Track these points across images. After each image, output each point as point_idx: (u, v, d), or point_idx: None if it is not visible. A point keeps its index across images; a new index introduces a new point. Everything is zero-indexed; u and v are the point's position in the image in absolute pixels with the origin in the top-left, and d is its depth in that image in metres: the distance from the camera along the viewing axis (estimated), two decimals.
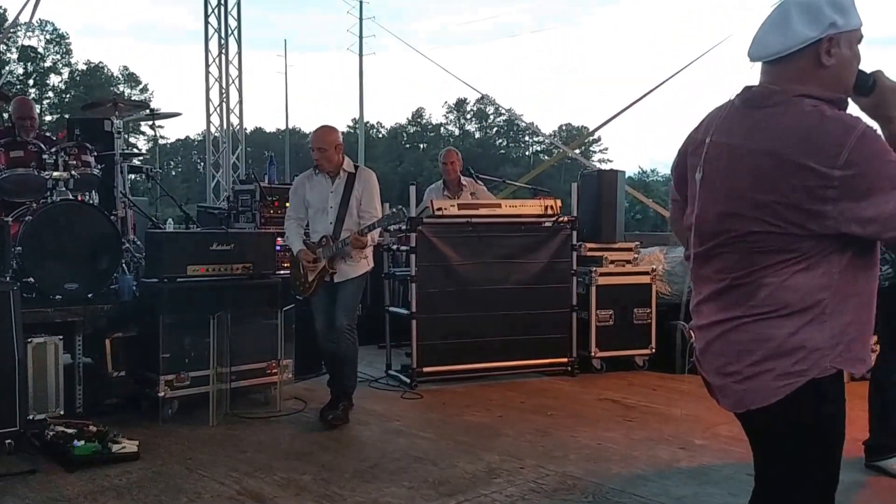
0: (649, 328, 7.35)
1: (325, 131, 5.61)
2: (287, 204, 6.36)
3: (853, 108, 2.13)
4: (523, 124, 61.49)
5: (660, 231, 15.79)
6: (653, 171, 55.91)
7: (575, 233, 7.09)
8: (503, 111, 58.57)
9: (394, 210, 5.54)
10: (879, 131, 2.05)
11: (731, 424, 5.37)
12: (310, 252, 5.59)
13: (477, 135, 68.38)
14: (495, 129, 68.99)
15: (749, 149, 2.08)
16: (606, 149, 61.90)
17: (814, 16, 2.03)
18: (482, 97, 56.83)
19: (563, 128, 65.50)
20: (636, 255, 7.63)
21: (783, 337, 2.07)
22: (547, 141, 58.33)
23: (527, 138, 67.22)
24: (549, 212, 7.03)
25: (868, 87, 2.09)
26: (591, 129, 49.14)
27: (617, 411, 5.95)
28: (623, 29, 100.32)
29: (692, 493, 4.21)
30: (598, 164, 42.41)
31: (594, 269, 7.19)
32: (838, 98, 2.08)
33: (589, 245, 7.35)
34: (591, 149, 58.65)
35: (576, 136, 53.15)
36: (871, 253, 2.09)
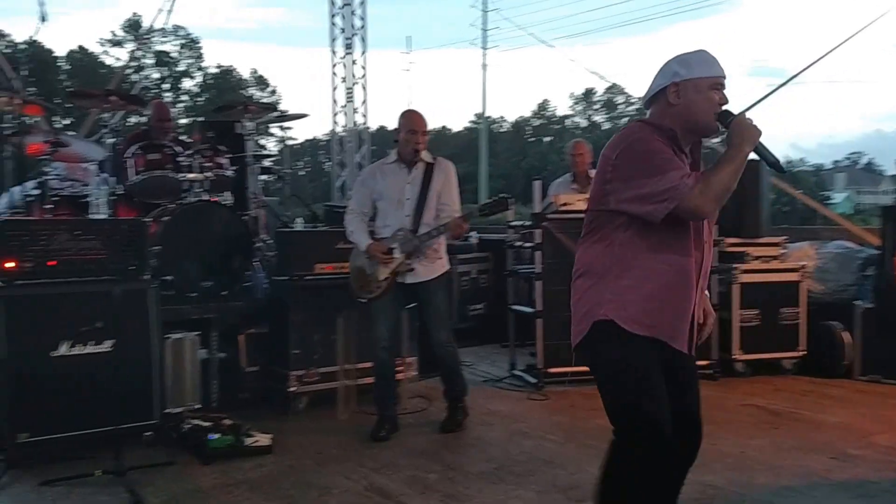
0: (798, 329, 6.92)
1: (422, 115, 5.32)
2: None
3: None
4: None
5: (809, 224, 15.09)
6: (801, 160, 53.65)
7: (715, 227, 6.82)
8: (634, 100, 57.56)
9: (497, 197, 5.11)
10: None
11: (890, 433, 5.20)
12: (384, 245, 5.18)
13: (606, 126, 67.23)
14: (626, 119, 67.83)
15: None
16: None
17: (664, 71, 2.86)
18: (611, 86, 55.98)
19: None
20: (783, 251, 7.23)
21: (583, 291, 2.87)
22: None
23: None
24: None
25: (728, 123, 2.77)
26: None
27: (762, 418, 5.67)
28: (762, 13, 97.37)
29: None
30: None
31: (737, 265, 6.85)
32: (667, 127, 2.81)
33: (730, 240, 6.99)
34: None
35: None
36: (656, 238, 2.74)
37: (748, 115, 2.78)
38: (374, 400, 5.39)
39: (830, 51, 11.25)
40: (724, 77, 2.84)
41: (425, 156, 5.28)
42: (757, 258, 7.03)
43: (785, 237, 7.41)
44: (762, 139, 2.75)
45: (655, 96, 2.88)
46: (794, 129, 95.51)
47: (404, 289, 5.25)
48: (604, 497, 2.92)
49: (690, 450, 2.99)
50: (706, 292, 3.03)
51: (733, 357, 6.82)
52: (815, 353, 6.92)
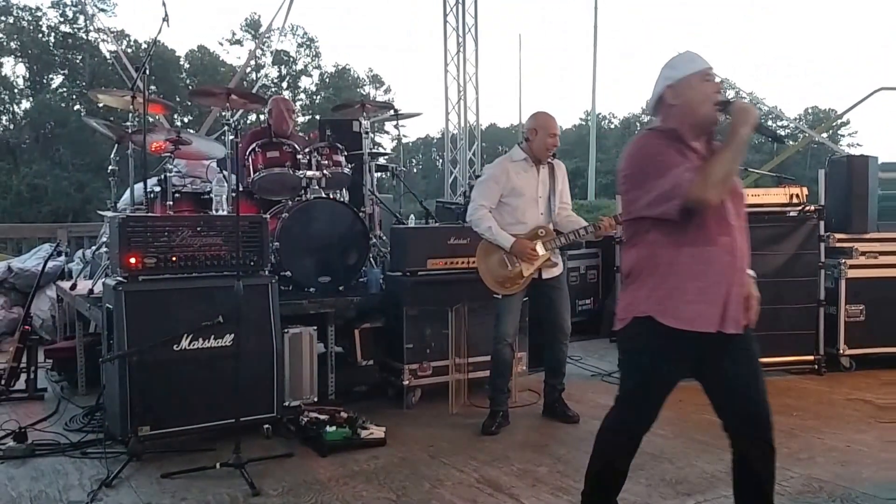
0: None
1: (553, 117, 5.42)
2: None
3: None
4: (766, 108, 58.69)
5: None
6: None
7: (822, 223, 6.69)
8: (743, 95, 56.12)
9: None
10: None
11: None
12: (530, 243, 5.26)
13: None
14: None
15: None
16: (856, 132, 57.95)
17: (659, 79, 3.10)
18: (721, 81, 54.84)
19: (809, 111, 62.10)
20: (891, 247, 7.09)
21: (625, 288, 3.14)
22: (791, 125, 55.32)
23: (770, 122, 64.17)
24: (795, 201, 6.69)
25: (727, 110, 2.96)
26: (839, 113, 46.08)
27: (869, 412, 5.61)
28: (875, 5, 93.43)
29: None
30: (847, 150, 39.75)
31: (844, 261, 6.78)
32: (669, 128, 3.03)
33: (838, 236, 6.94)
34: (839, 133, 55.13)
35: (823, 120, 50.10)
36: (678, 234, 2.92)
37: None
38: (490, 394, 5.43)
39: None
40: (711, 68, 3.06)
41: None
42: (864, 254, 6.95)
43: (893, 233, 7.26)
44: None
45: (658, 104, 3.11)
46: None
47: (537, 285, 5.37)
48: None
49: (762, 440, 3.05)
50: (750, 272, 3.15)
51: (839, 352, 6.78)
52: None
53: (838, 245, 6.95)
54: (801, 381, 6.54)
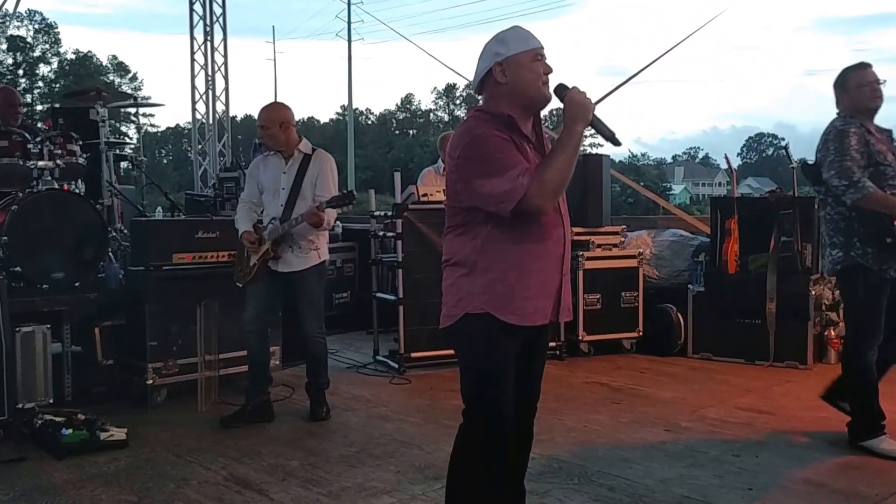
0: (636, 311, 7.37)
1: (269, 108, 5.39)
2: None
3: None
4: None
5: (652, 214, 15.80)
6: (643, 154, 55.83)
7: None
8: None
9: (344, 192, 5.16)
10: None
11: (718, 407, 5.53)
12: (254, 233, 5.27)
13: None
14: None
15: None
16: (591, 133, 61.85)
17: (485, 54, 2.91)
18: (471, 83, 56.85)
19: (554, 112, 65.60)
20: (623, 239, 7.63)
21: (451, 280, 2.92)
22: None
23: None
24: None
25: (562, 97, 2.81)
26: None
27: (604, 394, 5.99)
28: (611, 16, 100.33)
29: (677, 476, 4.23)
30: (587, 149, 42.19)
31: (581, 253, 7.17)
32: (504, 114, 2.83)
33: (575, 229, 7.21)
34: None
35: None
36: (515, 230, 2.79)
37: None
38: (245, 386, 5.39)
39: (669, 50, 11.66)
40: (542, 48, 2.90)
41: (304, 147, 5.35)
42: (599, 246, 7.41)
43: (624, 226, 7.87)
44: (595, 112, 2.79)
45: (484, 81, 2.93)
46: (637, 126, 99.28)
47: (280, 278, 5.29)
48: (451, 474, 3.08)
49: (526, 427, 3.18)
50: None
51: (578, 338, 7.19)
52: (653, 334, 7.39)
53: (575, 238, 7.19)
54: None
